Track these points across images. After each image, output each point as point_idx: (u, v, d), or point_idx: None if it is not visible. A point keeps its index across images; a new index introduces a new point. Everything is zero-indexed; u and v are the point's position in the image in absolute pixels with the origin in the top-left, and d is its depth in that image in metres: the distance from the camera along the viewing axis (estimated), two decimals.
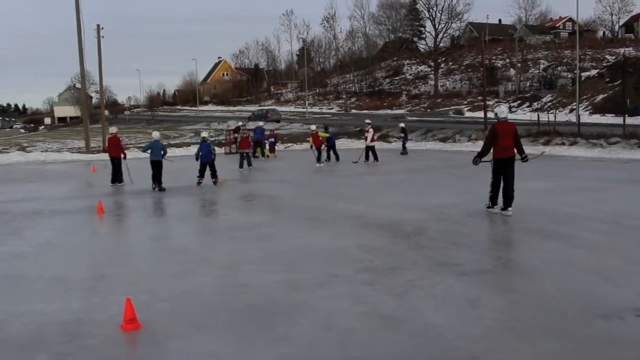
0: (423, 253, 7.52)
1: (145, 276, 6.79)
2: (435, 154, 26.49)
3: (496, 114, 10.44)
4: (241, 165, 21.36)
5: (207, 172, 16.43)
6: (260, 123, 28.78)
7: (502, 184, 10.28)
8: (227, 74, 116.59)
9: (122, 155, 16.96)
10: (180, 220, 10.78)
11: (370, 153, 22.46)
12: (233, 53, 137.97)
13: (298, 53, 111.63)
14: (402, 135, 27.41)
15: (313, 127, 25.07)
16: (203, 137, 16.95)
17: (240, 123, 31.28)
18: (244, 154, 21.75)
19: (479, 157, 10.44)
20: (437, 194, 13.15)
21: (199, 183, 16.06)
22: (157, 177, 15.26)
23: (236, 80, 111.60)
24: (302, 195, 13.71)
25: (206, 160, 16.16)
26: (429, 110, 63.44)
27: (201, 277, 6.68)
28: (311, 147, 23.55)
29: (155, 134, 16.41)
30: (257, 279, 6.54)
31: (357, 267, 6.94)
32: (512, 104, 53.73)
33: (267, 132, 28.75)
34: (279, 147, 31.07)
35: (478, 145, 28.63)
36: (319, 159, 21.97)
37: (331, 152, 23.88)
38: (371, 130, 22.94)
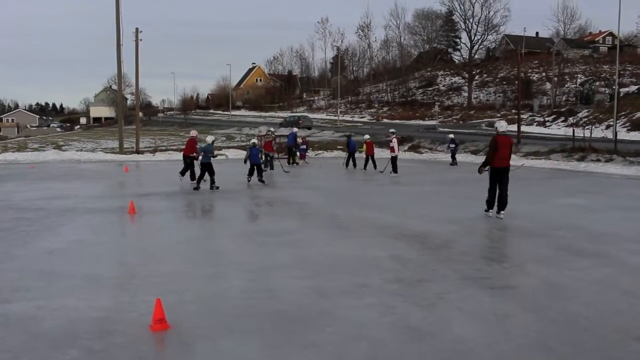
0: (452, 266, 7.46)
1: (175, 277, 6.87)
2: (467, 166, 26.26)
3: (496, 128, 11.69)
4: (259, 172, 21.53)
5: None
6: (295, 129, 29.01)
7: (497, 191, 11.51)
8: (260, 80, 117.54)
9: (195, 155, 18.28)
10: (212, 223, 10.90)
11: (389, 164, 22.30)
12: (267, 59, 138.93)
13: (332, 61, 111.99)
14: (453, 145, 27.69)
15: (367, 136, 25.87)
16: (253, 143, 19.13)
17: (271, 129, 31.45)
18: (268, 157, 22.70)
19: (483, 167, 11.71)
20: (468, 206, 13.04)
21: (248, 180, 18.31)
22: (206, 176, 16.61)
23: (269, 86, 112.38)
24: (332, 203, 13.72)
25: (255, 161, 18.22)
26: (461, 122, 62.97)
27: (231, 281, 6.73)
28: (363, 155, 25.02)
29: (209, 138, 17.32)
30: (286, 284, 6.57)
31: (385, 277, 6.92)
32: (546, 118, 53.00)
33: (298, 139, 28.89)
34: (310, 154, 31.15)
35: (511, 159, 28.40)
36: (367, 166, 24.05)
37: (369, 160, 24.48)
38: (395, 140, 22.31)
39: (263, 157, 18.54)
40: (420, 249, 8.56)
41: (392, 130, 24.24)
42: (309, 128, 54.44)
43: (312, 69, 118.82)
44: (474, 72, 75.08)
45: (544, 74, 72.69)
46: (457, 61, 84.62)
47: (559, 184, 15.06)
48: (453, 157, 27.25)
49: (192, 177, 18.18)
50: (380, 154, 32.71)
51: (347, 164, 25.63)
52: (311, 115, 72.20)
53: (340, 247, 8.59)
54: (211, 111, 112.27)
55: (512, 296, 6.21)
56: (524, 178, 19.93)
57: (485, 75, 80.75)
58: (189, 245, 8.78)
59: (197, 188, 16.04)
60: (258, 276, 6.95)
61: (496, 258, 7.94)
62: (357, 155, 26.63)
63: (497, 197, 11.45)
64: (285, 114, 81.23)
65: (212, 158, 16.55)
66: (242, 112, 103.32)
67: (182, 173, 18.57)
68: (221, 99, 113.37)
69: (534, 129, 48.47)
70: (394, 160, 21.91)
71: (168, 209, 12.63)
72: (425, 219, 11.23)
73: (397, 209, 12.98)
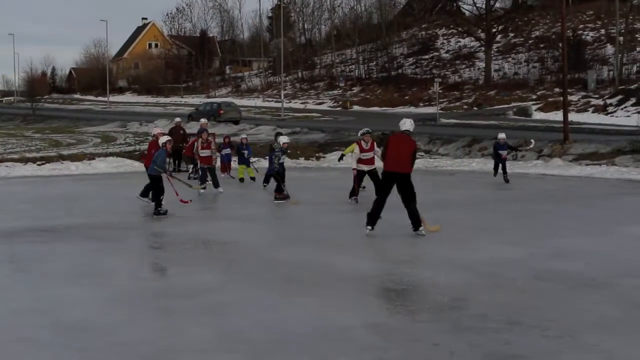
0: (466, 338, 7.57)
1: None
2: (485, 177, 26.63)
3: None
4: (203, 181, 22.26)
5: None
6: (203, 120, 28.63)
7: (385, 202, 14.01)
8: (156, 46, 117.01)
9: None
10: (79, 279, 10.75)
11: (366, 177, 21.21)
12: (166, 13, 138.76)
13: (270, 15, 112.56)
14: (513, 152, 27.93)
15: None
16: (273, 146, 21.05)
17: (177, 119, 31.23)
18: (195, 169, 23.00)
19: None
20: (487, 243, 13.25)
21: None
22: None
23: (170, 56, 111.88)
24: (276, 242, 13.70)
25: (283, 170, 20.28)
26: (475, 108, 63.92)
27: None
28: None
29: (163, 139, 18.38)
30: None
31: (362, 359, 6.98)
32: (608, 101, 54.25)
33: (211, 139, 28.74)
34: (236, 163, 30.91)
35: (552, 165, 28.94)
36: (353, 193, 19.98)
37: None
38: (367, 143, 19.75)
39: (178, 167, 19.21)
40: (415, 311, 8.65)
41: (363, 130, 22.00)
42: (236, 122, 54.37)
43: (240, 27, 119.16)
44: (494, 30, 76.34)
45: (603, 31, 74.46)
46: (467, 13, 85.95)
47: (629, 203, 15.40)
48: (504, 165, 25.11)
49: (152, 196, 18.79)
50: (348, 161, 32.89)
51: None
52: (239, 102, 72.16)
53: (289, 314, 8.61)
54: (77, 96, 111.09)
55: None
56: (575, 196, 20.34)
57: (511, 35, 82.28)
58: (37, 318, 8.63)
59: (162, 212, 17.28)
60: None
61: (535, 324, 8.08)
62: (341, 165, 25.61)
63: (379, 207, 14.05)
64: (198, 100, 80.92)
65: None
66: (128, 97, 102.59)
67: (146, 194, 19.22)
68: (93, 77, 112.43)
69: (589, 118, 49.39)
70: (370, 172, 21.30)
71: (5, 257, 12.44)
72: (422, 264, 11.35)
73: (376, 248, 13.06)
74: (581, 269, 10.94)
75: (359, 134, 20.23)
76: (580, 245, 12.81)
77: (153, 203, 17.94)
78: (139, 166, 30.08)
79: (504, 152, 24.99)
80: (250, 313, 8.65)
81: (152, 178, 17.84)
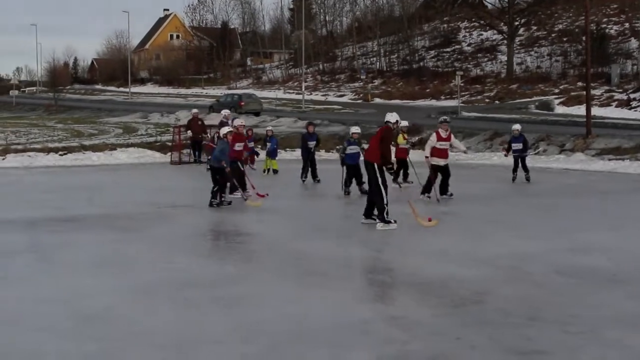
0: (487, 333, 7.56)
1: None
2: (507, 171, 26.53)
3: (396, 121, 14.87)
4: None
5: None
6: (227, 111, 28.55)
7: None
8: (178, 37, 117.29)
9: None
10: (98, 269, 10.80)
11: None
12: (188, 4, 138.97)
13: (291, 7, 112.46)
14: (520, 145, 23.27)
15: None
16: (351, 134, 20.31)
17: (195, 111, 31.34)
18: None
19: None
20: (509, 237, 13.23)
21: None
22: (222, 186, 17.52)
23: (192, 47, 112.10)
24: (296, 234, 13.72)
25: (354, 162, 19.32)
26: (497, 102, 63.72)
27: None
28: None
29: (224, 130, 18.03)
30: None
31: (382, 352, 6.98)
32: (632, 96, 53.92)
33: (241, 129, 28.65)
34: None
35: (574, 159, 28.76)
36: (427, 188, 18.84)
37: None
38: (445, 131, 19.13)
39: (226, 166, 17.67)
40: (436, 305, 8.65)
41: (443, 117, 20.62)
42: (257, 114, 54.43)
43: (261, 19, 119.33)
44: (516, 24, 76.03)
45: (627, 25, 73.96)
46: (490, 5, 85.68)
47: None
48: (523, 162, 23.06)
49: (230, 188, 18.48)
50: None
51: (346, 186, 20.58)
52: (260, 94, 72.21)
53: (309, 306, 8.63)
54: (99, 87, 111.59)
55: None
56: (597, 190, 20.27)
57: (534, 29, 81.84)
58: (59, 307, 8.69)
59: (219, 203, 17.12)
60: (173, 356, 6.93)
61: (556, 319, 8.06)
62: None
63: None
64: (219, 92, 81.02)
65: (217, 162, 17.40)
66: (149, 88, 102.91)
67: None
68: (114, 68, 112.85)
69: (612, 112, 49.15)
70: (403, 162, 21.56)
71: (27, 246, 12.53)
72: (442, 258, 11.32)
73: (397, 241, 13.05)
74: (603, 264, 10.89)
75: (438, 121, 19.68)
76: (602, 241, 12.75)
77: (244, 196, 17.97)
78: (159, 157, 30.26)
79: (519, 145, 22.88)
80: (270, 305, 8.67)
81: (213, 170, 17.60)
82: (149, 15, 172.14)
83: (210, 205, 16.99)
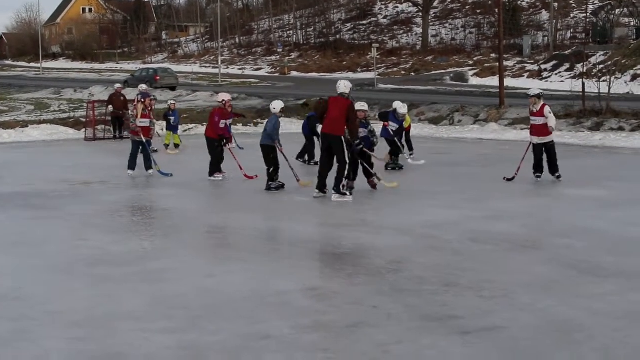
0: (404, 300, 7.64)
1: None
2: (423, 142, 26.74)
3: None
4: (133, 165, 18.40)
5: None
6: (143, 86, 28.08)
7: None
8: (90, 10, 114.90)
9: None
10: (9, 248, 10.59)
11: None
12: None
13: None
14: (396, 125, 19.29)
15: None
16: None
17: (118, 85, 30.70)
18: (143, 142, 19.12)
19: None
20: (425, 206, 13.36)
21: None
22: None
23: (105, 22, 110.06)
24: (214, 208, 13.69)
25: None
26: (413, 74, 64.26)
27: (44, 342, 6.63)
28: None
29: (276, 105, 16.13)
30: (140, 345, 6.53)
31: (299, 323, 6.99)
32: (543, 67, 54.97)
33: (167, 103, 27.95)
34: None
35: (488, 130, 29.18)
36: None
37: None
38: (535, 105, 17.04)
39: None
40: (353, 274, 8.71)
41: (534, 91, 17.47)
42: (173, 88, 53.85)
43: None
44: None
45: None
46: None
47: (564, 167, 15.59)
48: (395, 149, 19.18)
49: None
50: (291, 126, 32.77)
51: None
52: (176, 68, 71.48)
53: (226, 279, 8.62)
54: (9, 62, 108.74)
55: (497, 343, 6.44)
56: (508, 159, 20.57)
57: (449, 1, 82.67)
58: None
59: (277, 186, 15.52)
60: (90, 333, 6.84)
61: (470, 285, 8.19)
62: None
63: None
64: (133, 66, 79.87)
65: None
66: (62, 63, 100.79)
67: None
68: (25, 43, 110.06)
69: (524, 83, 49.98)
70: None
71: None
72: (360, 228, 11.39)
73: (315, 212, 13.10)
74: (515, 230, 11.11)
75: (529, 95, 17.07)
76: (515, 208, 12.99)
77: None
78: (73, 133, 29.63)
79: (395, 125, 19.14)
80: (186, 279, 8.62)
81: (264, 148, 15.93)
82: None
83: (269, 189, 15.52)
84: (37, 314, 7.43)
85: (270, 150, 15.68)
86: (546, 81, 50.28)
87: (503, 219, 11.99)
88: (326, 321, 7.06)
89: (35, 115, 38.97)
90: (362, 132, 15.47)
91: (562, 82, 46.68)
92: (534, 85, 47.04)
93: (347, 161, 14.01)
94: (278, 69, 76.31)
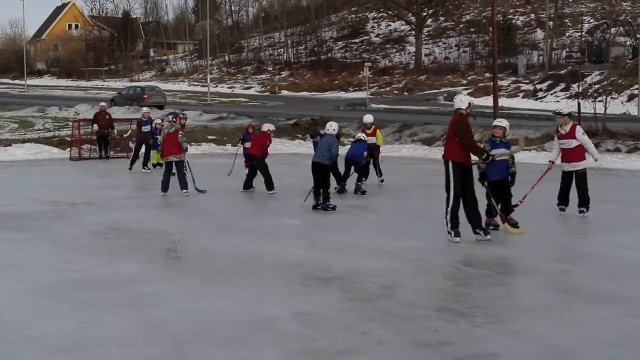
0: (394, 326, 7.66)
1: None
2: (416, 164, 26.87)
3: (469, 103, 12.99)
4: (166, 187, 18.36)
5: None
6: (145, 109, 28.06)
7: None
8: (76, 27, 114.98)
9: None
10: None
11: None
12: None
13: None
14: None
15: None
16: (360, 138, 19.14)
17: (102, 104, 30.67)
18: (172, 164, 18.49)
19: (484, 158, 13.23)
20: (418, 230, 13.41)
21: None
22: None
23: (92, 38, 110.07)
24: (202, 230, 13.64)
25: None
26: (406, 93, 64.45)
27: None
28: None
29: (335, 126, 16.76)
30: None
31: (288, 349, 7.01)
32: (538, 86, 55.16)
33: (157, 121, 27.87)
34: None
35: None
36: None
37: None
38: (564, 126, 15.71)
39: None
40: (343, 300, 8.73)
41: (558, 110, 16.40)
42: (161, 107, 53.84)
43: (164, 9, 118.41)
44: (424, 14, 76.97)
45: (533, 16, 75.66)
46: None
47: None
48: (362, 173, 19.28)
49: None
50: (281, 147, 32.78)
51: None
52: (164, 86, 71.48)
53: (214, 303, 8.62)
54: None
55: None
56: None
57: (442, 19, 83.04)
58: None
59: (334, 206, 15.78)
60: (75, 358, 6.85)
61: (464, 311, 8.22)
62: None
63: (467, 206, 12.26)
64: (121, 84, 79.84)
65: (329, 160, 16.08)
66: (47, 80, 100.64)
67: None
68: (9, 59, 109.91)
69: (519, 103, 50.22)
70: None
71: None
72: (350, 252, 11.40)
73: (306, 236, 13.10)
74: (507, 254, 11.19)
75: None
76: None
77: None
78: (58, 152, 29.59)
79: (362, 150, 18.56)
80: (174, 303, 8.62)
81: (322, 167, 15.88)
82: (45, 3, 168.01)
83: (326, 209, 15.58)
84: (19, 339, 7.41)
85: (329, 170, 16.10)
86: (541, 101, 50.49)
87: (496, 242, 12.03)
88: (316, 347, 7.07)
89: (19, 133, 38.89)
90: (499, 153, 14.06)
91: (557, 102, 46.79)
92: (529, 105, 47.59)
93: (457, 192, 12.37)
94: (268, 87, 76.40)
